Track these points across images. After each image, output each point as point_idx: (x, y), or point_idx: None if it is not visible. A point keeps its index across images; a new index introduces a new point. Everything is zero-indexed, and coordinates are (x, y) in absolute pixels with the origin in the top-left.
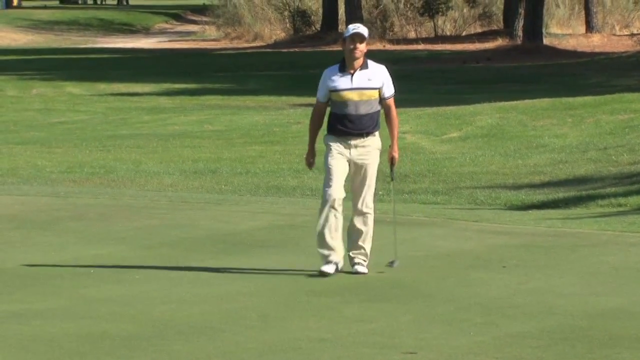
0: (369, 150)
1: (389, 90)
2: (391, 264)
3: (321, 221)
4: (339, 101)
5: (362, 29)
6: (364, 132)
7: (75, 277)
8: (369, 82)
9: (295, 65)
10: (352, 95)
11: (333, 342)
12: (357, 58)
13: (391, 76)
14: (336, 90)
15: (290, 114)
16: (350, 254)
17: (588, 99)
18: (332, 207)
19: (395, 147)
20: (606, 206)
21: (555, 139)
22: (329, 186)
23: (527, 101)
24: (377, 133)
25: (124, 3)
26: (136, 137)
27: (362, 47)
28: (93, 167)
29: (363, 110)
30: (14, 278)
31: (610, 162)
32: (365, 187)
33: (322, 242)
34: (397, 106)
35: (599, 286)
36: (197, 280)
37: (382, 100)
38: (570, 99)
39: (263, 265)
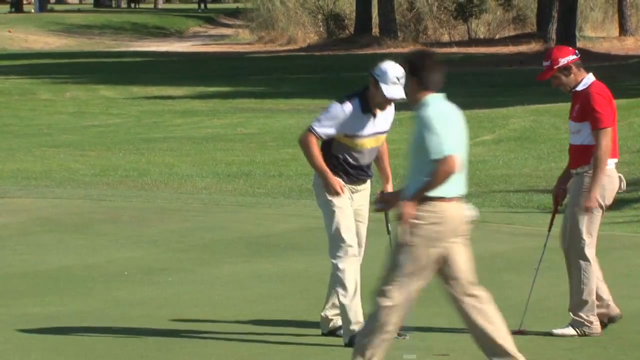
0: (365, 195)
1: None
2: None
3: (348, 283)
4: (353, 147)
5: (403, 91)
6: (366, 179)
7: (108, 280)
8: (385, 124)
9: (329, 68)
10: (371, 142)
11: None
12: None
13: None
14: (357, 137)
15: None
16: (328, 314)
17: (621, 101)
18: (356, 257)
19: (390, 187)
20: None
21: None
22: (346, 232)
23: (560, 104)
24: None
25: (202, 7)
26: (169, 140)
27: None
28: (126, 170)
29: (373, 156)
30: (47, 281)
31: None
32: (362, 239)
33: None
34: None
35: (632, 288)
36: (229, 283)
37: None
38: None
39: (295, 268)
